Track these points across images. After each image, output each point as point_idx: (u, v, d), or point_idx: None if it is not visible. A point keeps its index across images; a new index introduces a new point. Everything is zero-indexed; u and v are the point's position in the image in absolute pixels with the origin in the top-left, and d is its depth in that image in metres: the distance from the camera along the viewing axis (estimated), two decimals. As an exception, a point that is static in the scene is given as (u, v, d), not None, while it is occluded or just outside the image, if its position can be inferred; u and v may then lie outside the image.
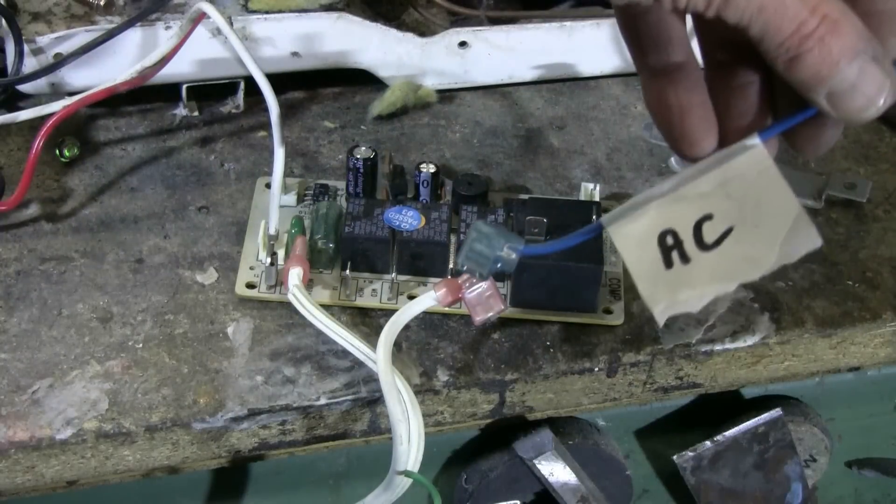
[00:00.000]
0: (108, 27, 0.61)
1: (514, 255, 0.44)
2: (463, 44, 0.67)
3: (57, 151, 0.61)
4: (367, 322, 0.55)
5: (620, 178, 0.64)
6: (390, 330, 0.50)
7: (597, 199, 0.59)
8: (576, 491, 0.60)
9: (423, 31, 0.67)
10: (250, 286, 0.55)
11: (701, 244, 0.40)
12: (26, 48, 0.60)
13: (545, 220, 0.54)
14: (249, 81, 0.62)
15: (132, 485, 0.56)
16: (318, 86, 0.68)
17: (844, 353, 0.58)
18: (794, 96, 0.39)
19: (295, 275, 0.53)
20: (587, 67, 0.70)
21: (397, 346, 0.52)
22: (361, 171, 0.58)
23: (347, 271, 0.55)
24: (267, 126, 0.62)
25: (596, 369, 0.54)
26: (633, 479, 0.62)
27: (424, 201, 0.58)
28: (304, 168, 0.63)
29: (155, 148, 0.63)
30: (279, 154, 0.56)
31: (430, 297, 0.50)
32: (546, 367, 0.54)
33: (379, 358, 0.49)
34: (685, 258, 0.40)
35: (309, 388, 0.52)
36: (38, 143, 0.57)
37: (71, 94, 0.61)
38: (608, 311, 0.56)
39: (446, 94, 0.68)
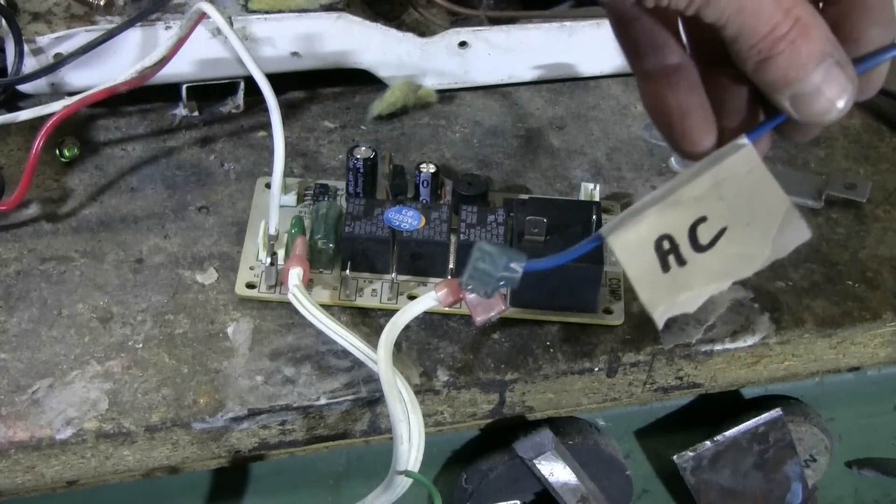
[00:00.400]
0: (108, 27, 0.61)
1: (517, 273, 0.45)
2: (463, 44, 0.67)
3: (57, 151, 0.61)
4: (367, 322, 0.55)
5: (620, 178, 0.64)
6: (391, 330, 0.50)
7: (597, 199, 0.59)
8: (576, 491, 0.60)
9: (423, 31, 0.67)
10: (250, 286, 0.55)
11: (696, 246, 0.41)
12: (26, 48, 0.60)
13: (545, 220, 0.54)
14: (249, 81, 0.62)
15: (132, 485, 0.56)
16: (318, 86, 0.68)
17: (844, 353, 0.58)
18: None
19: (295, 275, 0.53)
20: (587, 67, 0.70)
21: (397, 346, 0.52)
22: (361, 171, 0.58)
23: (347, 271, 0.55)
24: (267, 126, 0.62)
25: (596, 369, 0.54)
26: (633, 479, 0.62)
27: (424, 201, 0.58)
28: (304, 168, 0.63)
29: (155, 148, 0.63)
30: (279, 154, 0.56)
31: (430, 298, 0.50)
32: (546, 367, 0.54)
33: (380, 358, 0.49)
34: (681, 261, 0.41)
35: (309, 388, 0.52)
36: (38, 143, 0.57)
37: (71, 94, 0.61)
38: (608, 312, 0.56)
39: (446, 94, 0.68)
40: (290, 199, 0.59)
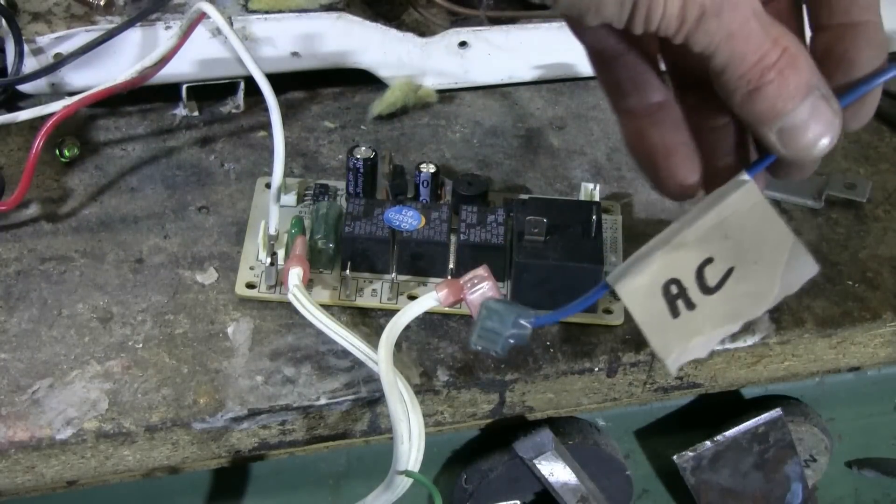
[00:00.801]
0: (108, 27, 0.61)
1: (527, 329, 0.45)
2: (463, 44, 0.67)
3: (57, 151, 0.61)
4: (367, 322, 0.55)
5: (620, 178, 0.64)
6: (392, 330, 0.50)
7: (597, 198, 0.59)
8: (576, 491, 0.60)
9: (423, 31, 0.67)
10: (250, 286, 0.55)
11: (704, 288, 0.41)
12: (26, 48, 0.60)
13: (545, 220, 0.54)
14: (249, 81, 0.62)
15: (132, 485, 0.56)
16: (318, 86, 0.68)
17: (844, 353, 0.58)
18: None
19: (295, 275, 0.53)
20: (587, 67, 0.69)
21: (397, 346, 0.52)
22: (361, 171, 0.58)
23: (347, 271, 0.55)
24: (267, 126, 0.62)
25: (596, 369, 0.54)
26: (633, 479, 0.62)
27: (424, 201, 0.58)
28: (304, 168, 0.63)
29: (155, 148, 0.63)
30: (279, 154, 0.56)
31: (431, 298, 0.50)
32: (546, 367, 0.54)
33: (380, 358, 0.49)
34: (690, 305, 0.41)
35: (309, 388, 0.52)
36: (38, 143, 0.57)
37: (71, 94, 0.61)
38: (608, 311, 0.56)
39: (446, 94, 0.68)
40: (290, 199, 0.59)
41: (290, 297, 0.53)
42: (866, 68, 0.39)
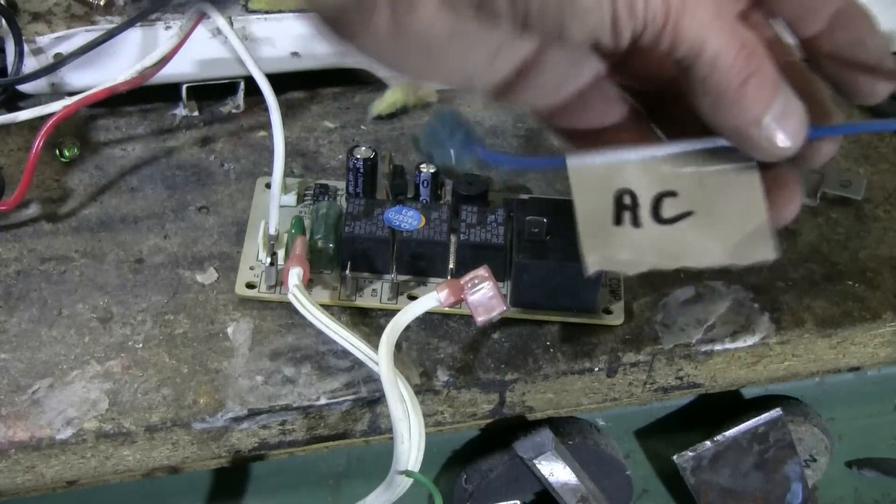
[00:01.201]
0: (108, 27, 0.61)
1: (471, 153, 0.42)
2: (463, 44, 0.67)
3: (57, 151, 0.61)
4: (367, 322, 0.55)
5: (620, 178, 0.64)
6: (392, 330, 0.50)
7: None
8: (576, 491, 0.60)
9: (423, 31, 0.67)
10: (250, 286, 0.55)
11: (657, 215, 0.40)
12: (26, 48, 0.60)
13: (545, 220, 0.54)
14: (249, 81, 0.62)
15: (132, 485, 0.56)
16: (318, 86, 0.68)
17: (844, 353, 0.58)
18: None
19: (295, 275, 0.53)
20: (587, 67, 0.69)
21: (397, 346, 0.52)
22: (361, 171, 0.58)
23: (347, 271, 0.55)
24: (267, 126, 0.62)
25: (596, 369, 0.54)
26: (633, 479, 0.62)
27: (424, 201, 0.58)
28: (304, 168, 0.63)
29: (155, 148, 0.63)
30: (279, 154, 0.56)
31: (432, 298, 0.50)
32: (546, 367, 0.54)
33: (381, 358, 0.49)
34: (636, 222, 0.40)
35: (309, 388, 0.52)
36: (38, 143, 0.57)
37: (71, 94, 0.61)
38: (608, 311, 0.56)
39: (446, 94, 0.68)
40: (290, 199, 0.59)
41: (290, 297, 0.53)
42: (875, 50, 0.39)
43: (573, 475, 0.59)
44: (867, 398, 0.67)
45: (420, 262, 0.55)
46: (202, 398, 0.51)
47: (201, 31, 0.61)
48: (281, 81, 0.63)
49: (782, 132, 0.38)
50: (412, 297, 0.55)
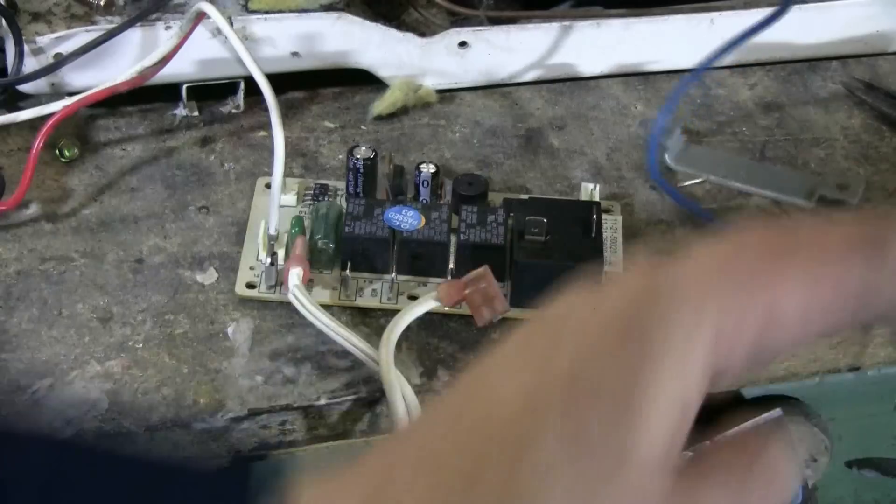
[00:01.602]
0: (108, 27, 0.61)
1: None
2: (463, 44, 0.67)
3: (57, 151, 0.61)
4: (368, 322, 0.55)
5: (620, 178, 0.64)
6: (393, 330, 0.50)
7: (597, 199, 0.59)
8: (576, 491, 0.59)
9: (423, 31, 0.67)
10: (250, 286, 0.55)
11: None
12: (26, 48, 0.60)
13: (545, 220, 0.54)
14: (249, 81, 0.62)
15: (132, 485, 0.55)
16: (318, 86, 0.68)
17: (844, 353, 0.58)
18: None
19: (295, 275, 0.53)
20: (587, 67, 0.70)
21: (397, 346, 0.52)
22: (361, 171, 0.58)
23: (347, 271, 0.55)
24: (267, 126, 0.62)
25: (596, 369, 0.54)
26: (633, 479, 0.62)
27: (424, 201, 0.58)
28: (304, 168, 0.63)
29: (155, 148, 0.63)
30: (279, 154, 0.56)
31: (432, 299, 0.50)
32: (546, 367, 0.53)
33: (382, 358, 0.49)
34: None
35: (309, 388, 0.52)
36: (38, 143, 0.57)
37: (71, 94, 0.61)
38: (608, 311, 0.55)
39: (446, 94, 0.68)
40: (290, 199, 0.59)
41: (291, 298, 0.53)
42: None
43: (573, 475, 0.59)
44: (867, 398, 0.67)
45: (420, 263, 0.55)
46: (202, 398, 0.51)
47: (201, 31, 0.61)
48: (281, 81, 0.63)
49: None
50: (412, 297, 0.55)
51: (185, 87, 0.64)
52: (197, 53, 0.62)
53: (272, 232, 0.56)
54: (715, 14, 0.69)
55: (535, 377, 0.30)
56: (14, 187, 0.58)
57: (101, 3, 0.62)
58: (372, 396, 0.52)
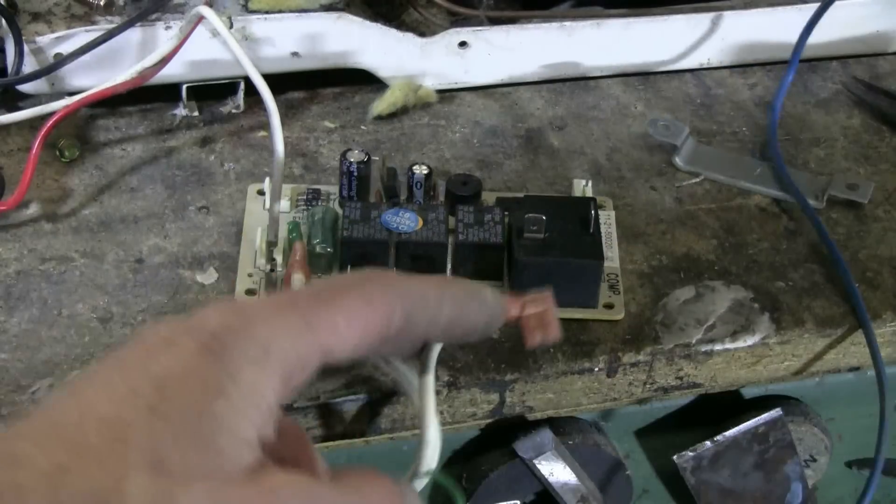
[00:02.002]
0: (108, 27, 0.61)
1: None
2: (463, 44, 0.67)
3: (57, 152, 0.61)
4: (367, 322, 0.54)
5: (620, 178, 0.64)
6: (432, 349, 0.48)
7: (590, 195, 0.59)
8: (576, 491, 0.60)
9: (423, 31, 0.67)
10: (250, 293, 0.55)
11: None
12: (26, 48, 0.60)
13: (543, 217, 0.54)
14: (249, 81, 0.62)
15: (132, 485, 0.55)
16: (318, 86, 0.68)
17: (844, 353, 0.58)
18: None
19: (297, 280, 0.53)
20: (587, 67, 0.70)
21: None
22: (355, 174, 0.58)
23: (347, 272, 0.55)
24: (267, 126, 0.62)
25: (596, 369, 0.54)
26: (633, 479, 0.62)
27: (419, 203, 0.58)
28: (304, 168, 0.63)
29: (155, 148, 0.63)
30: (279, 159, 0.56)
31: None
32: (546, 367, 0.54)
33: (426, 386, 0.47)
34: None
35: (309, 388, 0.52)
36: (38, 143, 0.57)
37: (71, 94, 0.61)
38: (608, 307, 0.56)
39: (446, 94, 0.68)
40: (284, 204, 0.58)
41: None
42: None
43: (573, 475, 0.59)
44: (867, 398, 0.67)
45: (419, 264, 0.55)
46: (202, 398, 0.51)
47: (201, 32, 0.61)
48: (281, 81, 0.63)
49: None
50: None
51: (185, 87, 0.64)
52: (197, 54, 0.62)
53: (272, 238, 0.55)
54: (715, 14, 0.69)
55: (124, 392, 0.34)
56: (14, 187, 0.58)
57: (101, 3, 0.62)
58: (372, 396, 0.52)
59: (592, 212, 0.55)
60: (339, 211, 0.57)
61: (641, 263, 0.59)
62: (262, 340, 0.36)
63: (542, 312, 0.47)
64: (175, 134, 0.64)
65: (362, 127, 0.66)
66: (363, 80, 0.67)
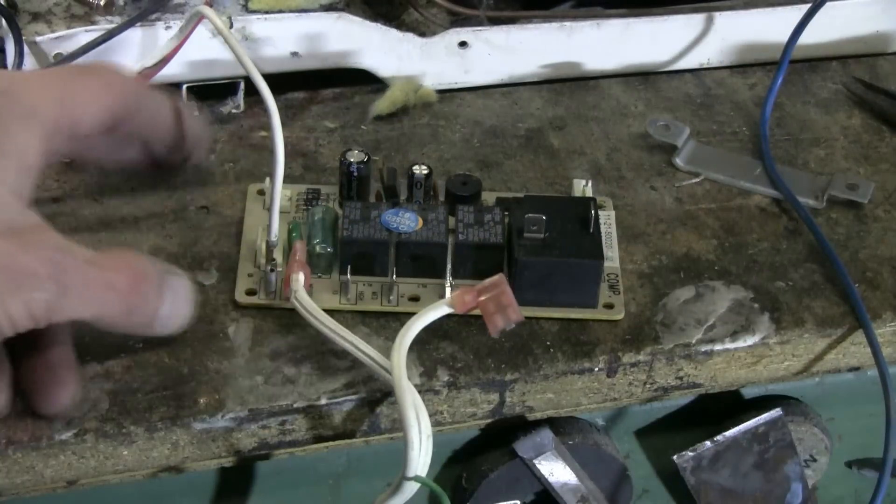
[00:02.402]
0: (108, 27, 0.61)
1: None
2: (463, 44, 0.67)
3: (57, 151, 0.61)
4: (369, 324, 0.55)
5: (620, 178, 0.64)
6: (405, 336, 0.49)
7: (590, 194, 0.59)
8: (576, 491, 0.60)
9: (423, 31, 0.67)
10: (250, 293, 0.55)
11: None
12: (26, 48, 0.60)
13: (544, 217, 0.54)
14: (249, 81, 0.62)
15: (132, 485, 0.56)
16: (318, 86, 0.68)
17: (844, 353, 0.58)
18: None
19: (297, 280, 0.53)
20: (587, 67, 0.70)
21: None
22: (355, 174, 0.58)
23: (348, 275, 0.55)
24: (267, 126, 0.62)
25: (596, 369, 0.54)
26: (633, 479, 0.62)
27: (418, 203, 0.58)
28: (304, 168, 0.63)
29: (155, 148, 0.63)
30: (279, 160, 0.55)
31: (445, 305, 0.49)
32: (546, 367, 0.54)
33: (394, 366, 0.48)
34: None
35: (309, 388, 0.52)
36: (38, 143, 0.57)
37: (71, 94, 0.61)
38: (608, 307, 0.56)
39: (446, 94, 0.68)
40: (284, 204, 0.58)
41: (295, 304, 0.53)
42: None
43: (573, 475, 0.59)
44: (867, 398, 0.67)
45: (420, 264, 0.55)
46: (202, 398, 0.51)
47: (202, 32, 0.61)
48: (281, 81, 0.63)
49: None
50: (413, 299, 0.55)
51: (185, 87, 0.64)
52: (197, 54, 0.62)
53: (272, 238, 0.55)
54: (715, 14, 0.69)
55: None
56: (14, 187, 0.58)
57: (101, 3, 0.62)
58: (372, 396, 0.52)
59: (592, 212, 0.55)
60: (339, 211, 0.57)
61: (641, 263, 0.59)
62: (29, 103, 0.45)
63: (497, 295, 0.48)
64: (175, 134, 0.64)
65: (362, 127, 0.66)
66: (363, 80, 0.67)
